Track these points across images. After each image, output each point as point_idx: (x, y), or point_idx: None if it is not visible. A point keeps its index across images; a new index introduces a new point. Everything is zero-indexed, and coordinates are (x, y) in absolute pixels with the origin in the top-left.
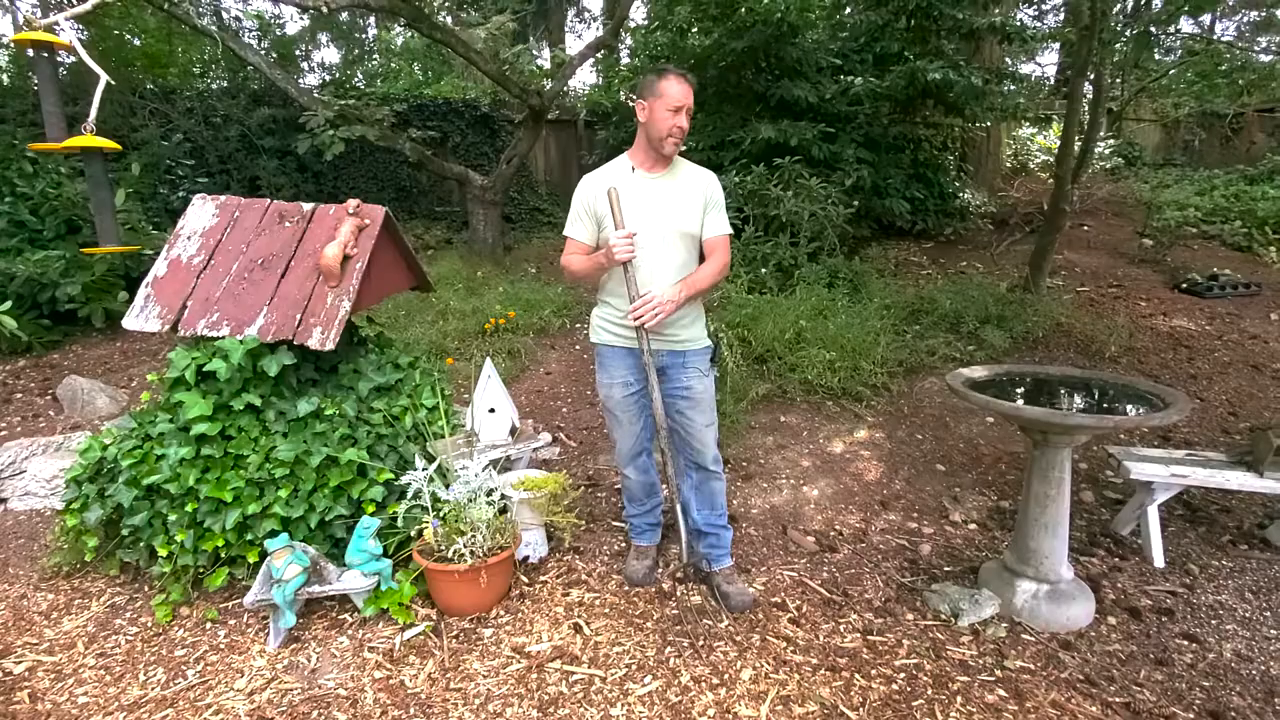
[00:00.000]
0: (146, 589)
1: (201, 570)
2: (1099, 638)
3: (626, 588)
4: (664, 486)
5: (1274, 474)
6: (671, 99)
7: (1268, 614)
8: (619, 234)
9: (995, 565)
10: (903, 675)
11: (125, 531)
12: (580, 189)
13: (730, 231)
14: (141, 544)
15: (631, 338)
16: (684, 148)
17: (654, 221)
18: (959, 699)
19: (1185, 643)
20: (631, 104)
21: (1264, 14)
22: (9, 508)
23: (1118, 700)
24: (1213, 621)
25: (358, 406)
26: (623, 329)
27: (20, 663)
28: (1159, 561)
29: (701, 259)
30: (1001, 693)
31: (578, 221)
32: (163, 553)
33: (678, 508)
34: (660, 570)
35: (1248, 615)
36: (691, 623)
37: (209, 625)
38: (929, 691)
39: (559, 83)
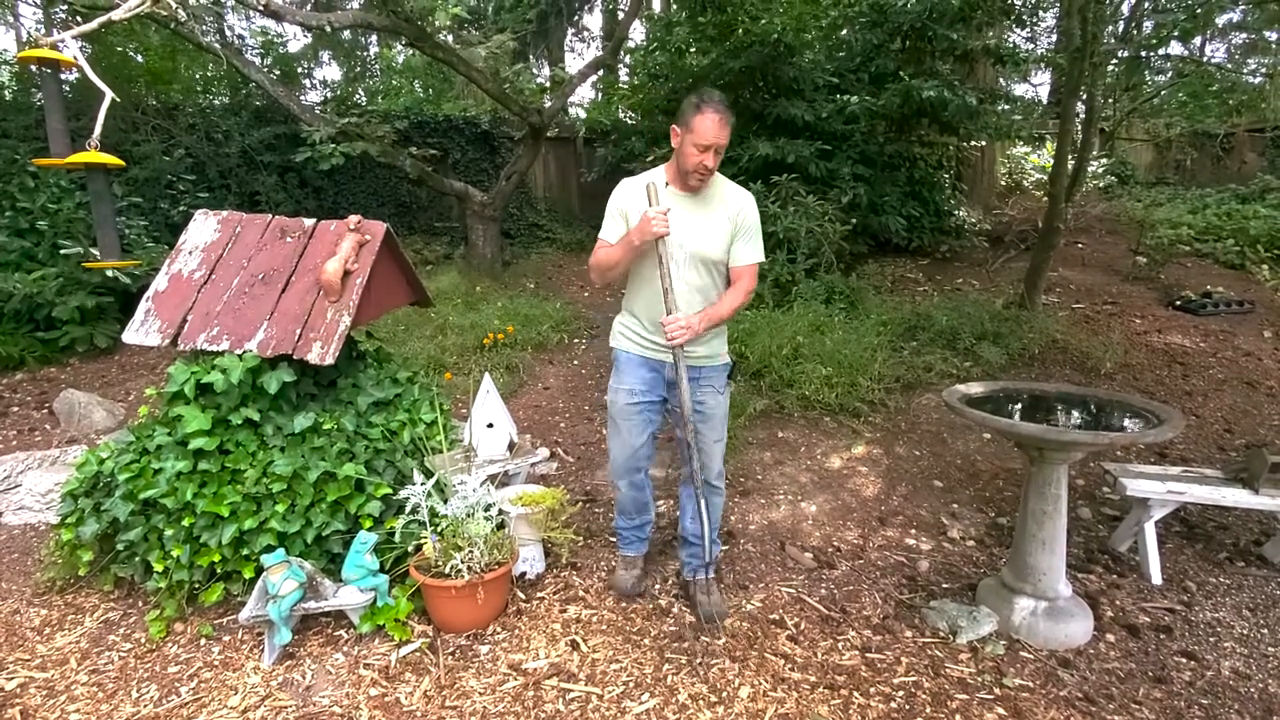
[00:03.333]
0: (141, 604)
1: (197, 586)
2: (1097, 655)
3: (624, 604)
4: (663, 503)
5: (1269, 491)
6: (702, 136)
7: (1265, 631)
8: (654, 209)
9: (993, 582)
10: (901, 693)
11: (120, 546)
12: (616, 193)
13: (761, 259)
14: (137, 559)
15: (648, 348)
16: None
17: (675, 242)
18: (958, 717)
19: (1184, 660)
20: (630, 122)
21: (1252, 37)
22: (3, 522)
23: (1117, 718)
24: (1211, 639)
25: (356, 421)
26: (643, 339)
27: (12, 679)
28: (1156, 578)
29: (729, 282)
30: (1000, 711)
31: (611, 223)
32: (158, 568)
33: (705, 524)
34: (657, 586)
35: (1246, 633)
36: (689, 640)
37: (203, 641)
38: (928, 710)
39: (558, 101)
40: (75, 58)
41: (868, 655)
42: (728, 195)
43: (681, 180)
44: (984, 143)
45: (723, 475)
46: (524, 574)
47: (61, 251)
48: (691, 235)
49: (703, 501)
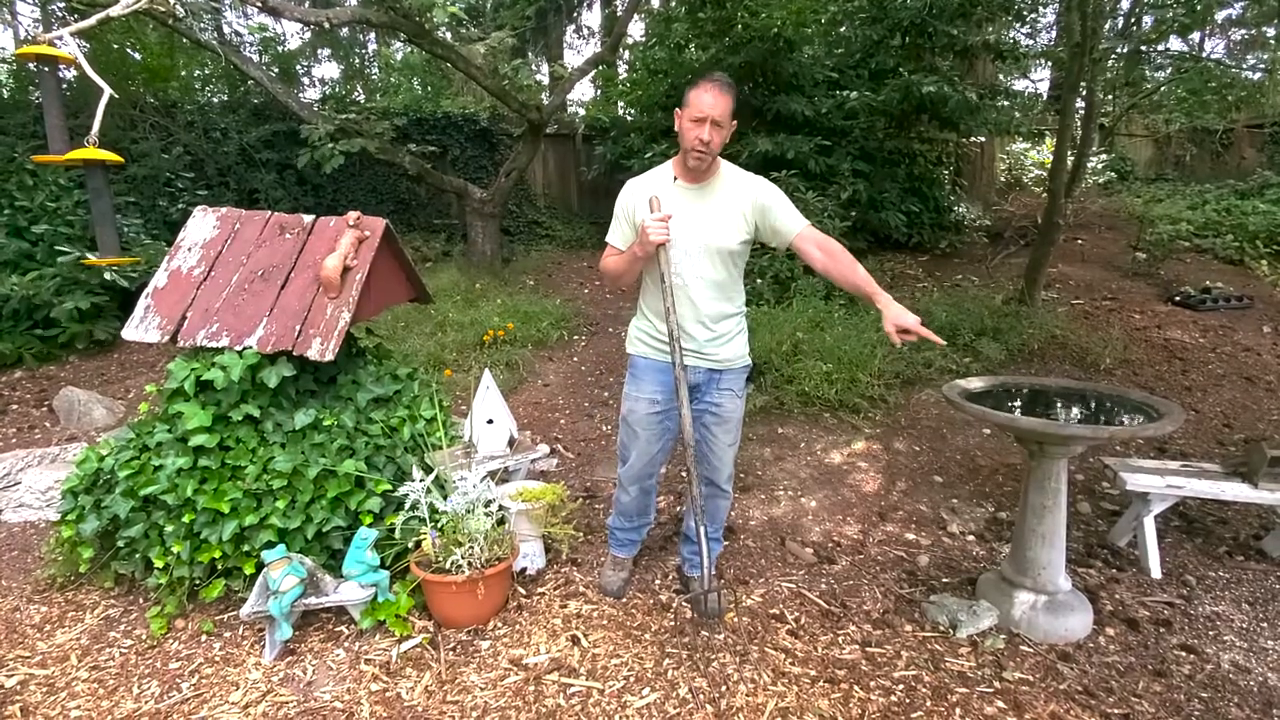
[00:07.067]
0: (142, 601)
1: (197, 582)
2: (1097, 649)
3: (624, 599)
4: (663, 499)
5: (1268, 485)
6: (696, 108)
7: (1265, 625)
8: (654, 215)
9: (993, 576)
10: (901, 687)
11: (121, 543)
12: (622, 195)
13: (806, 221)
14: (137, 555)
15: (668, 352)
16: None
17: (688, 236)
18: (958, 711)
19: (1183, 654)
20: (629, 118)
21: (1251, 32)
22: (3, 519)
23: (1116, 712)
24: (1210, 632)
25: (356, 417)
26: (660, 342)
27: (12, 676)
28: (1156, 572)
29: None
30: (1000, 704)
31: (617, 226)
32: (159, 564)
33: (700, 531)
34: (657, 581)
35: (1245, 626)
36: (689, 634)
37: (204, 637)
38: (928, 703)
39: (557, 97)
40: (73, 55)
41: (868, 649)
42: (737, 183)
43: (685, 168)
44: (983, 139)
45: (732, 479)
46: (524, 570)
47: (59, 260)
48: (703, 227)
49: (704, 535)
